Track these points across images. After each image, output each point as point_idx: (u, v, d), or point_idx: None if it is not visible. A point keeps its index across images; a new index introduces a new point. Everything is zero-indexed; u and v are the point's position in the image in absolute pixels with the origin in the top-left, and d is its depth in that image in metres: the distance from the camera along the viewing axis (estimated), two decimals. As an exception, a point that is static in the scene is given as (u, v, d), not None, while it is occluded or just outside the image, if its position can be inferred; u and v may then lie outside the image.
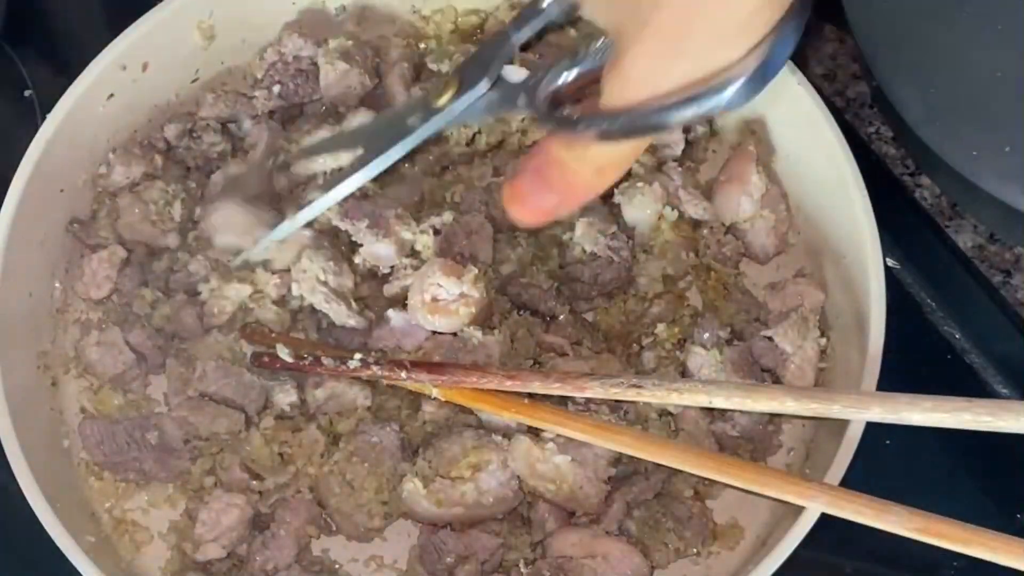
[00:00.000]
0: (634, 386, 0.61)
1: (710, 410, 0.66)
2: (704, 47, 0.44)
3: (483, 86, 0.59)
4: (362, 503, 0.65)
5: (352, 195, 0.67)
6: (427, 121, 0.61)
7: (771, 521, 0.66)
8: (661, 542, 0.64)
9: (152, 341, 0.70)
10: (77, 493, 0.68)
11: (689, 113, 0.45)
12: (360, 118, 0.71)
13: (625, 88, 0.46)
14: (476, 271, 0.66)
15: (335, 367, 0.66)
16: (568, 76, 0.54)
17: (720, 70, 0.44)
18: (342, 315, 0.68)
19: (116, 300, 0.72)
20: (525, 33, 0.59)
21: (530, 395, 0.64)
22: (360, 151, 0.65)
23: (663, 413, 0.66)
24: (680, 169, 0.72)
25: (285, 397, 0.68)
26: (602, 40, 0.52)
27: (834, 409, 0.59)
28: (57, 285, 0.72)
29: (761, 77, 0.44)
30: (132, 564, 0.67)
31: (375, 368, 0.65)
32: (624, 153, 0.50)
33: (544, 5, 0.58)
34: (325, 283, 0.67)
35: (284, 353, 0.67)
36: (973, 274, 0.76)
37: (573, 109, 0.52)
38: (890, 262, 0.73)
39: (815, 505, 0.58)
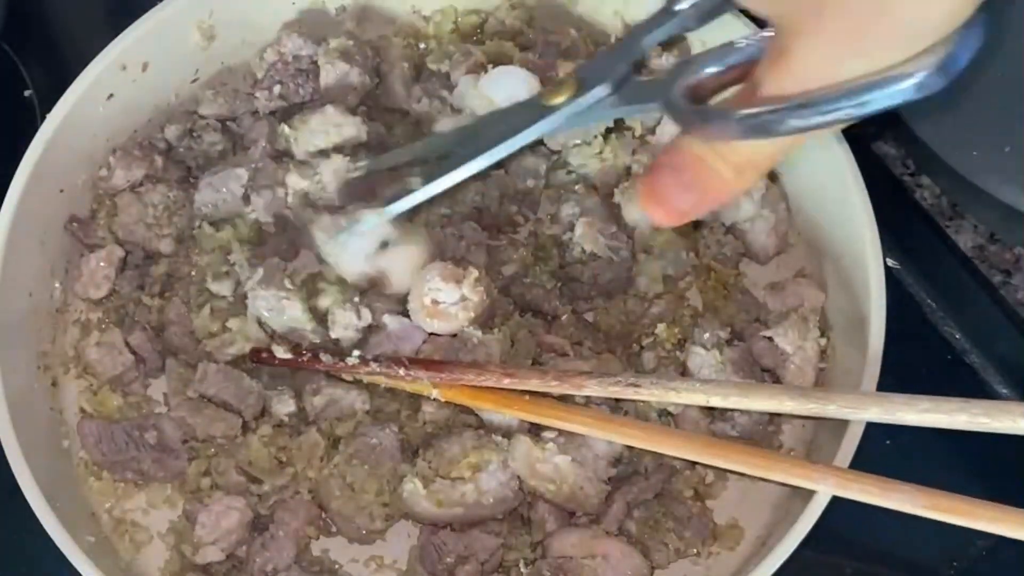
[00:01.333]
0: (632, 384, 0.61)
1: (710, 410, 0.66)
2: (885, 44, 0.41)
3: (604, 88, 0.53)
4: (363, 505, 0.65)
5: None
6: (538, 121, 0.55)
7: (771, 521, 0.66)
8: (661, 542, 0.64)
9: (152, 344, 0.70)
10: (77, 493, 0.68)
11: (862, 108, 0.41)
12: (457, 120, 0.66)
13: (792, 81, 0.42)
14: (477, 274, 0.66)
15: (333, 363, 0.66)
16: (712, 69, 0.49)
17: (898, 65, 0.41)
18: (327, 331, 0.68)
19: (115, 301, 0.72)
20: (656, 36, 0.53)
21: (531, 392, 0.64)
22: (460, 149, 0.59)
23: (663, 413, 0.66)
24: (680, 169, 0.72)
25: (283, 408, 0.67)
26: (751, 37, 0.49)
27: (831, 409, 0.59)
28: (57, 285, 0.72)
29: (943, 73, 0.40)
30: (132, 564, 0.67)
31: (373, 365, 0.65)
32: (767, 153, 0.47)
33: (678, 7, 0.52)
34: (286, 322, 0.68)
35: (281, 351, 0.67)
36: (973, 274, 0.76)
37: (719, 102, 0.48)
38: (890, 262, 0.73)
39: (822, 487, 0.58)
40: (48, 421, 0.69)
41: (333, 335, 0.67)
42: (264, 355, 0.67)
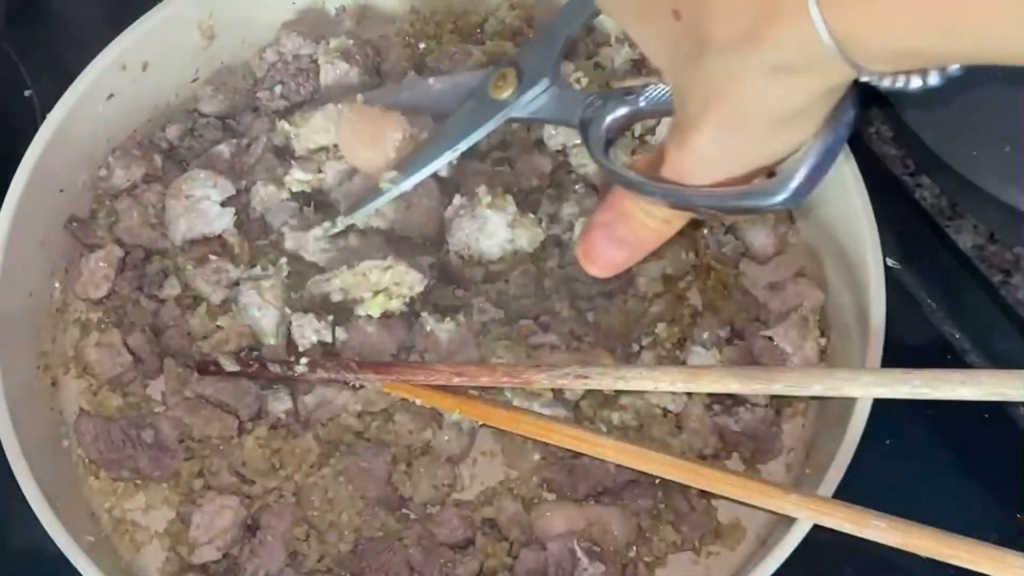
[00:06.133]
0: (580, 376, 0.61)
1: (712, 407, 0.66)
2: (762, 133, 0.45)
3: (544, 83, 0.58)
4: (336, 523, 0.65)
5: None
6: (493, 116, 0.61)
7: (772, 521, 0.66)
8: (658, 536, 0.64)
9: (151, 345, 0.70)
10: (77, 493, 0.68)
11: (747, 205, 0.46)
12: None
13: (688, 167, 0.47)
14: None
15: (282, 372, 0.66)
16: (622, 113, 0.55)
17: (779, 157, 0.46)
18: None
19: (114, 301, 0.72)
20: (579, 21, 0.59)
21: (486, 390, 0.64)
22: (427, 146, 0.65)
23: (667, 412, 0.66)
24: (680, 169, 0.72)
25: (280, 405, 0.67)
26: (659, 86, 0.53)
27: (776, 388, 0.60)
28: (57, 285, 0.72)
29: (809, 180, 0.45)
30: (131, 564, 0.67)
31: (321, 372, 0.65)
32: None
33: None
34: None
35: (229, 363, 0.67)
36: (973, 274, 0.76)
37: (636, 163, 0.53)
38: (890, 262, 0.73)
39: (798, 515, 0.58)
40: (48, 421, 0.69)
41: (299, 346, 0.67)
42: (212, 368, 0.67)
